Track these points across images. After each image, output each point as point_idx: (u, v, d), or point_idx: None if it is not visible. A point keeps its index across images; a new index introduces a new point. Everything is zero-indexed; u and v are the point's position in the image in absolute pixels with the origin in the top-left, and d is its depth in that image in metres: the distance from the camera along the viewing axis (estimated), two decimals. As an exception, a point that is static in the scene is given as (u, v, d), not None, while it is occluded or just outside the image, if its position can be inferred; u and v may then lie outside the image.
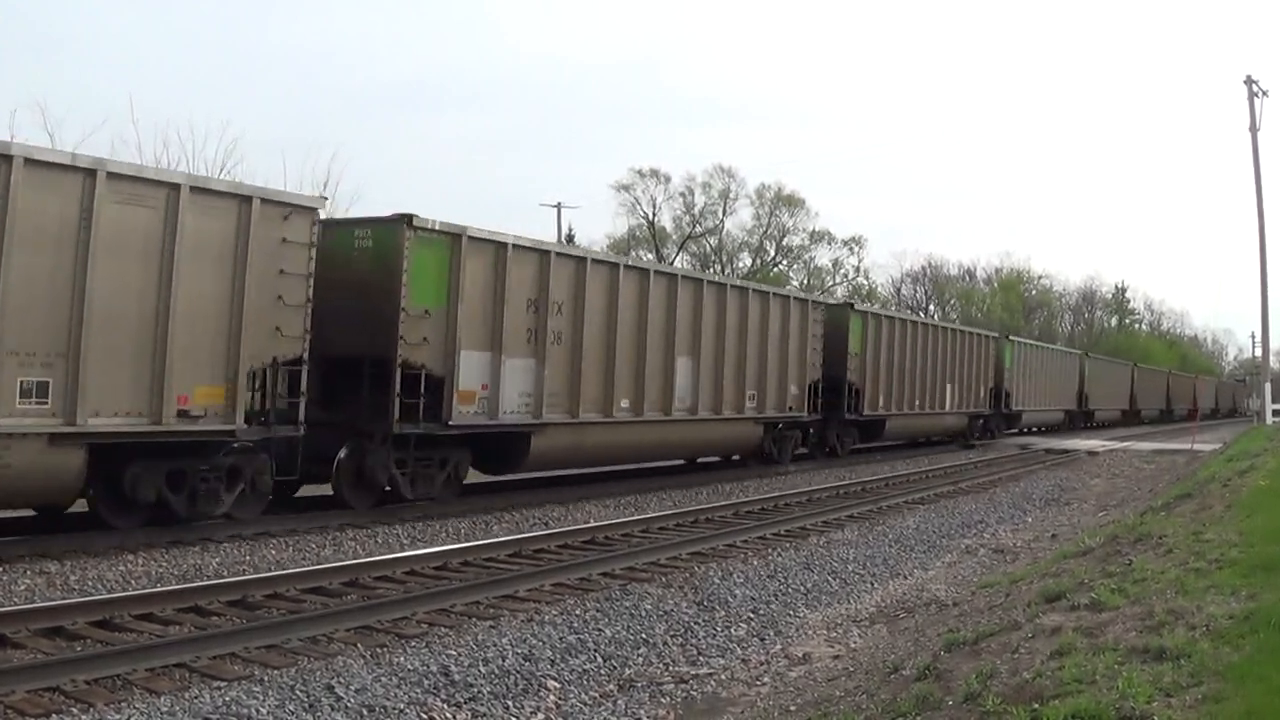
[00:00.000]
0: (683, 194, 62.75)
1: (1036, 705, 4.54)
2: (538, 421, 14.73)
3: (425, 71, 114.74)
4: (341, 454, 12.62)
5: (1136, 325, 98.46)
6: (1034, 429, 41.59)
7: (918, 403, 27.64)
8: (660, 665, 7.47)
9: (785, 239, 65.24)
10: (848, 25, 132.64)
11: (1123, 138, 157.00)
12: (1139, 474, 24.12)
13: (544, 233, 45.91)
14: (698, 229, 63.55)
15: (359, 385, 12.87)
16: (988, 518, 15.77)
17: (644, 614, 8.51)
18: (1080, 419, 46.88)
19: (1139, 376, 59.32)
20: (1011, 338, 37.92)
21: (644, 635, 8.00)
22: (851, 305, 26.02)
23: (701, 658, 7.73)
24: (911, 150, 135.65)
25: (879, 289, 71.54)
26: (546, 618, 8.18)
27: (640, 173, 62.15)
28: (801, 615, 9.18)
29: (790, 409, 21.44)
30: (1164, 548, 8.56)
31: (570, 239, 50.53)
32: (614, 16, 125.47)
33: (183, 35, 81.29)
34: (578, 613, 8.38)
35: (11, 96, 77.60)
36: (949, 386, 29.72)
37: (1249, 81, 37.73)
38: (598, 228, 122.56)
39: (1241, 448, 22.75)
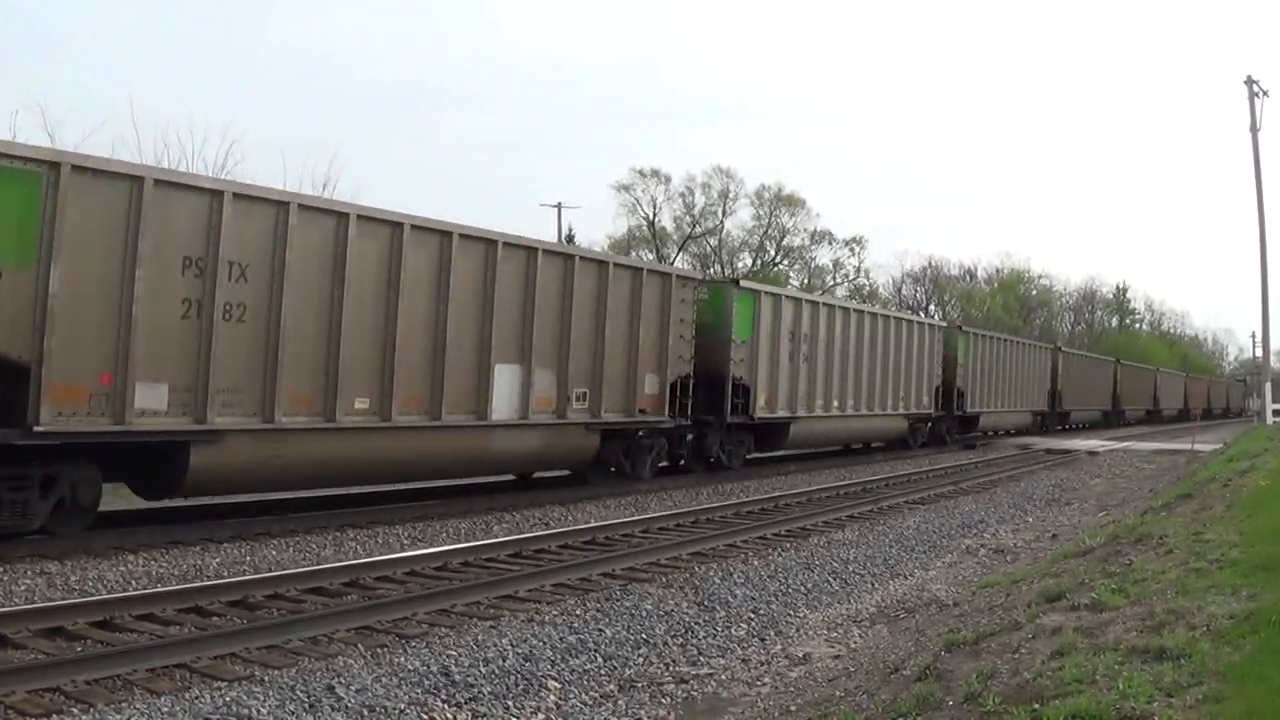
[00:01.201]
0: (683, 194, 62.81)
1: (1037, 705, 4.54)
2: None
3: (425, 71, 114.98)
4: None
5: (1137, 325, 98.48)
6: (995, 433, 37.29)
7: (835, 404, 23.47)
8: (661, 665, 7.47)
9: (785, 239, 65.29)
10: (848, 25, 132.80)
11: (1123, 138, 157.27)
12: (1139, 474, 24.11)
13: (544, 233, 45.91)
14: (698, 229, 63.59)
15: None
16: (988, 518, 15.77)
17: (644, 614, 8.51)
18: (1054, 420, 42.99)
19: (1123, 375, 55.18)
20: (965, 329, 33.90)
21: (644, 635, 8.00)
22: (735, 282, 21.01)
23: (702, 658, 7.73)
24: (911, 150, 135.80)
25: (880, 289, 71.61)
26: (547, 618, 8.18)
27: (640, 173, 62.22)
28: (802, 615, 9.18)
29: (643, 411, 17.05)
30: (1164, 548, 8.56)
31: (571, 239, 50.55)
32: (614, 16, 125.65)
33: (183, 35, 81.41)
34: (578, 613, 8.39)
35: (12, 97, 77.67)
36: (881, 384, 25.60)
37: (1249, 82, 37.75)
38: (598, 228, 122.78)
39: (1242, 448, 22.75)
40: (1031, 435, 38.41)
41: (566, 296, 15.31)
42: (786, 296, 22.13)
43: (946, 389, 30.39)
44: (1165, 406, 65.21)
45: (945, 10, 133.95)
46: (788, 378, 21.48)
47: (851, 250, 66.67)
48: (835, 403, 23.55)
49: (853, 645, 8.16)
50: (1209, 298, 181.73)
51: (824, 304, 24.19)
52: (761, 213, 64.11)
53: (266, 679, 6.33)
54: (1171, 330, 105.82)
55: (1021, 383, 37.09)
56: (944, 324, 32.71)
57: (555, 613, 8.37)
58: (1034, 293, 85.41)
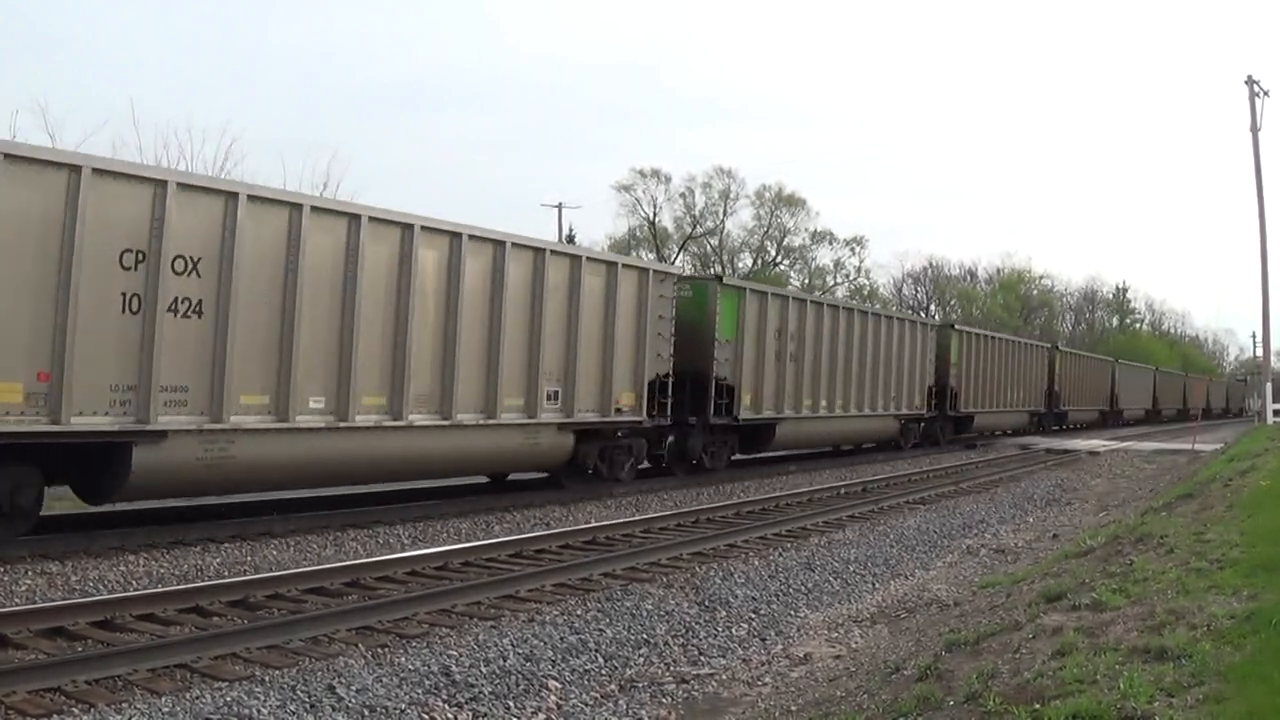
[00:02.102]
0: (683, 194, 62.94)
1: (1038, 705, 4.54)
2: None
3: (425, 71, 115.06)
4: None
5: (1138, 326, 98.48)
6: (802, 452, 24.59)
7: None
8: (661, 665, 7.47)
9: (786, 239, 65.40)
10: (848, 25, 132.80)
11: (1123, 138, 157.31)
12: (1140, 474, 24.10)
13: (545, 233, 45.90)
14: (698, 229, 63.63)
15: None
16: (989, 518, 15.76)
17: (645, 614, 8.51)
18: (945, 428, 30.60)
19: (1065, 367, 43.10)
20: (745, 285, 21.03)
21: (645, 635, 8.00)
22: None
23: (703, 658, 7.73)
24: (911, 150, 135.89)
25: (880, 289, 71.61)
26: (548, 618, 8.18)
27: (641, 173, 62.33)
28: (803, 615, 9.17)
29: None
30: (1165, 548, 8.56)
31: (571, 239, 50.57)
32: (614, 16, 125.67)
33: (183, 35, 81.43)
34: (579, 613, 8.39)
35: (12, 97, 77.68)
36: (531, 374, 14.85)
37: (1250, 82, 37.72)
38: (599, 228, 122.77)
39: (1243, 448, 22.74)
40: (903, 450, 27.52)
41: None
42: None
43: (699, 384, 18.65)
44: (1127, 407, 54.90)
45: (945, 10, 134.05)
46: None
47: (852, 250, 66.80)
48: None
49: (853, 645, 8.16)
50: (1209, 298, 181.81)
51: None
52: (762, 213, 64.26)
53: (267, 679, 6.33)
54: (1172, 330, 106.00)
55: (881, 375, 25.19)
56: (694, 275, 21.86)
57: (556, 613, 8.37)
58: (1035, 293, 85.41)
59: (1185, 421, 61.54)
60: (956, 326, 32.49)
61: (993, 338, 35.59)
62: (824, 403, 22.81)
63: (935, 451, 28.86)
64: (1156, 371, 64.55)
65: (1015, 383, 36.39)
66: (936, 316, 65.63)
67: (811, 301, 23.28)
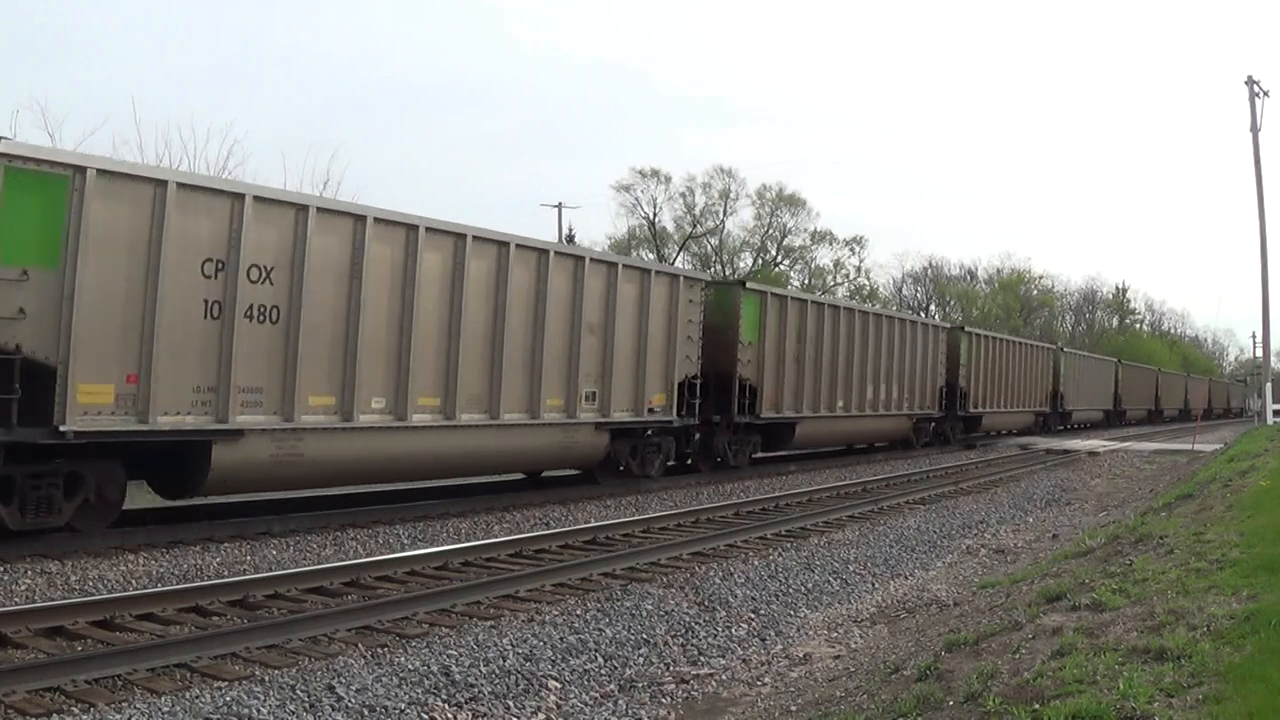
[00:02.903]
0: (683, 194, 62.79)
1: (1037, 705, 4.54)
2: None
3: (427, 72, 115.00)
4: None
5: (1137, 326, 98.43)
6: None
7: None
8: (661, 665, 7.47)
9: (786, 239, 65.29)
10: (848, 25, 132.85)
11: (1123, 138, 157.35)
12: (1140, 474, 24.09)
13: (545, 234, 45.88)
14: (698, 229, 63.59)
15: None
16: (988, 518, 15.77)
17: (645, 614, 8.51)
18: (741, 446, 20.28)
19: (975, 352, 31.74)
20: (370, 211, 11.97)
21: (645, 635, 8.00)
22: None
23: (702, 658, 7.73)
24: (912, 150, 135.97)
25: (880, 289, 71.57)
26: (547, 618, 8.18)
27: (641, 173, 62.16)
28: (802, 615, 9.17)
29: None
30: (1165, 548, 8.56)
31: (571, 239, 50.54)
32: (615, 17, 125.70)
33: (183, 35, 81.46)
34: (579, 613, 8.39)
35: (12, 96, 77.65)
36: None
37: (1250, 82, 37.74)
38: (599, 228, 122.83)
39: (1242, 448, 22.74)
40: (651, 480, 17.61)
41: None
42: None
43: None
44: (1076, 408, 44.78)
45: (945, 10, 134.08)
46: None
47: (852, 250, 66.71)
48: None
49: (853, 645, 8.16)
50: (1209, 298, 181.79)
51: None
52: (762, 213, 64.13)
53: (267, 679, 6.33)
54: (1172, 331, 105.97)
55: (578, 357, 15.54)
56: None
57: (556, 612, 8.37)
58: (1034, 293, 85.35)
59: (1151, 425, 57.91)
60: (749, 285, 21.32)
61: (840, 309, 23.93)
62: (429, 401, 13.26)
63: (704, 482, 18.72)
64: (1119, 363, 56.31)
65: (890, 377, 25.35)
66: (937, 316, 65.32)
67: (379, 220, 12.42)
